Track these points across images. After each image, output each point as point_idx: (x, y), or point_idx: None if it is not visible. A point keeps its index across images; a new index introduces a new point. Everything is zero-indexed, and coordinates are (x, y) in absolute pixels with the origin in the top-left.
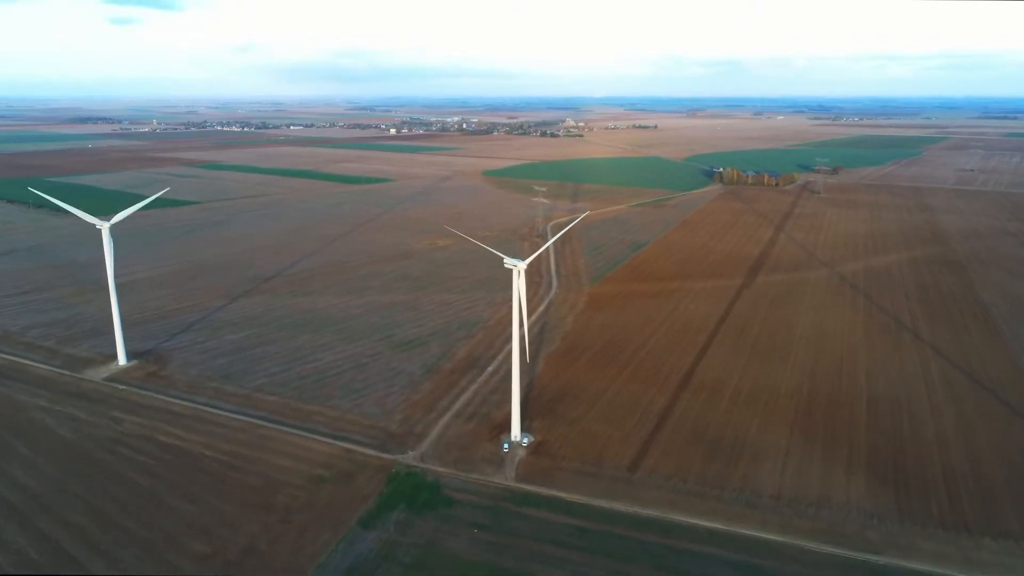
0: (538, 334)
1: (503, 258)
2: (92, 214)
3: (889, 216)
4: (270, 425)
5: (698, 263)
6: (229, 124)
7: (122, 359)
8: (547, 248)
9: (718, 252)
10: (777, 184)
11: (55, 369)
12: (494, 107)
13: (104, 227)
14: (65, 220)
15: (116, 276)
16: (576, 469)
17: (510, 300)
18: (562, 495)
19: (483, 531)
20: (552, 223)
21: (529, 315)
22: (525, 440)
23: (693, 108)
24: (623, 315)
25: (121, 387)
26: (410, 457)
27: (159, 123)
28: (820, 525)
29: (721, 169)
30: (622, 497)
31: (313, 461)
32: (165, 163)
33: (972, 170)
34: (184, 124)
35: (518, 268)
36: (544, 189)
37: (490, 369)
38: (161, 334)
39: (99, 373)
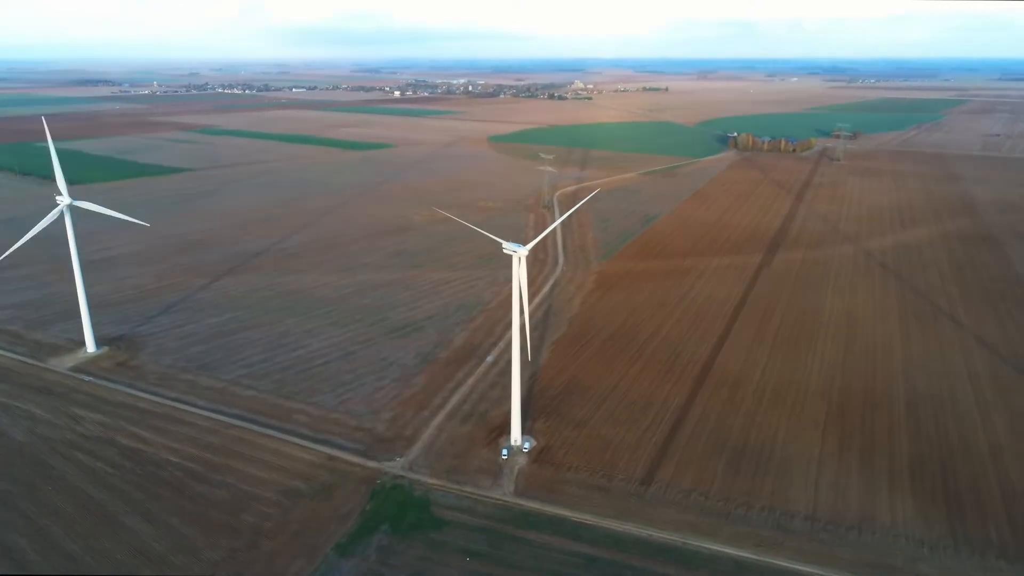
0: (542, 318)
1: (501, 243)
2: (73, 182)
3: (914, 186)
4: (245, 425)
5: (714, 238)
6: (231, 87)
7: (91, 346)
8: (552, 229)
9: (734, 226)
10: (794, 150)
11: (17, 357)
12: (501, 69)
13: (62, 203)
14: (51, 190)
15: (95, 251)
16: (583, 481)
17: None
18: (567, 514)
19: (476, 559)
20: (559, 192)
21: (533, 296)
22: (526, 445)
23: (705, 70)
24: (634, 296)
25: (86, 379)
26: (398, 466)
27: (160, 85)
28: (865, 555)
29: (735, 134)
30: (635, 517)
31: (289, 470)
32: (161, 127)
33: (998, 135)
34: (185, 87)
35: (518, 254)
36: (551, 157)
37: (490, 359)
38: (137, 317)
39: (65, 362)
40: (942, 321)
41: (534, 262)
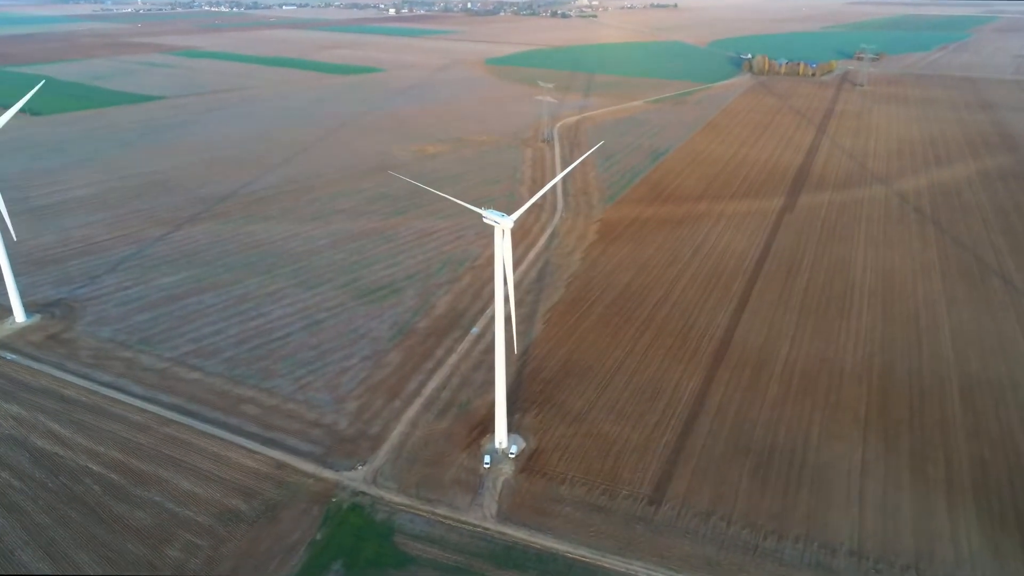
0: (536, 279)
1: (481, 213)
2: (36, 113)
3: (946, 115)
4: (183, 420)
5: (729, 177)
6: (218, 3)
7: (20, 315)
8: (540, 193)
9: (752, 162)
10: (814, 74)
11: None
12: None
13: None
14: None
15: (44, 194)
16: (580, 499)
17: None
18: (559, 548)
19: None
20: (560, 124)
21: (528, 250)
22: (513, 449)
23: None
24: (642, 250)
25: (8, 357)
26: (359, 476)
27: (144, 3)
28: None
29: (750, 57)
30: (642, 551)
31: (229, 483)
32: (140, 50)
33: None
34: (171, 3)
35: (501, 226)
36: (551, 86)
37: (475, 331)
38: (80, 276)
39: None
40: (991, 281)
41: (530, 208)
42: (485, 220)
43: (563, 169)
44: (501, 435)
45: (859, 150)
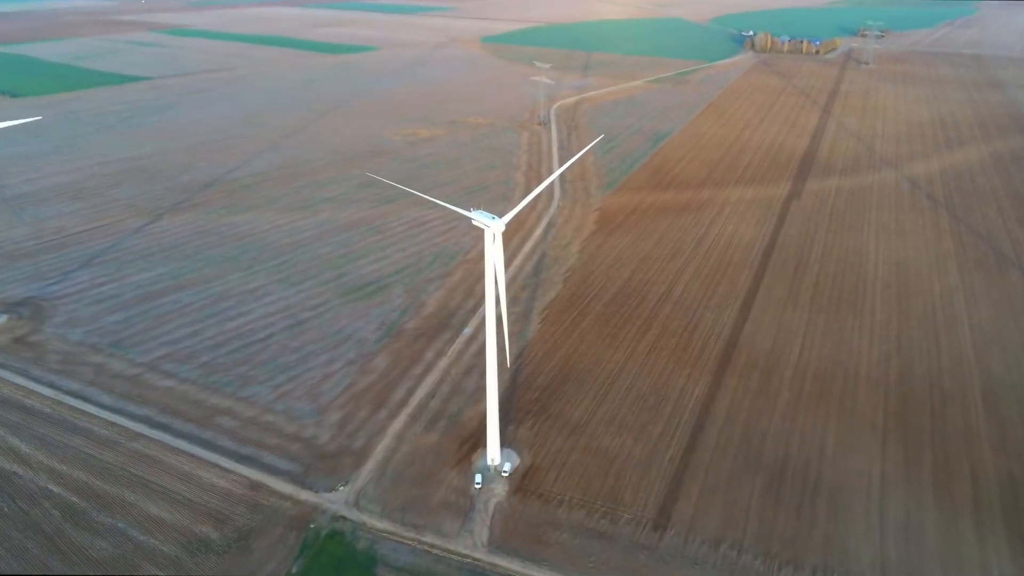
0: (532, 273)
1: (470, 217)
2: (17, 95)
3: (955, 95)
4: (153, 435)
5: (733, 162)
6: None
7: None
8: (533, 194)
9: (756, 146)
10: (818, 52)
11: None
12: None
13: None
14: None
15: (19, 182)
16: (579, 524)
17: (504, 215)
18: None
19: None
20: (557, 104)
21: (523, 242)
22: (506, 466)
23: None
24: (643, 241)
25: None
26: (340, 499)
27: None
28: None
29: (752, 33)
30: None
31: (200, 506)
32: (127, 28)
33: None
34: None
35: (492, 229)
36: (548, 66)
37: (467, 332)
38: (52, 272)
39: None
40: (1011, 274)
41: (527, 194)
42: (474, 223)
43: (560, 156)
44: (494, 451)
45: (866, 132)
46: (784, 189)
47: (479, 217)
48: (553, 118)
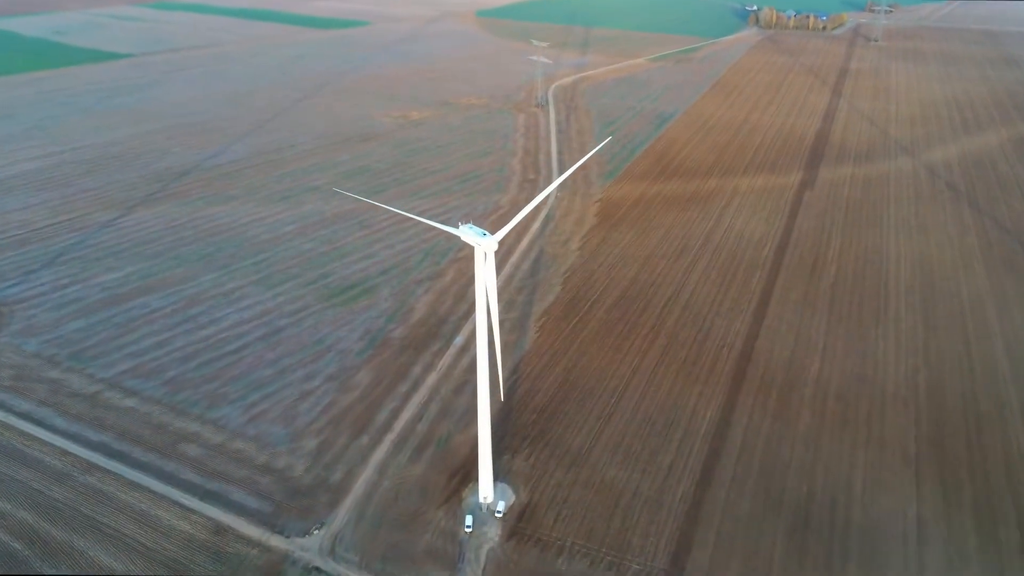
0: (529, 272)
1: (457, 233)
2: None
3: (969, 73)
4: (110, 466)
5: (741, 147)
6: None
7: None
8: (530, 207)
9: (764, 130)
10: (824, 28)
11: None
12: None
13: None
14: None
15: None
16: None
17: (499, 208)
18: None
19: None
20: (555, 85)
21: (521, 236)
22: (500, 504)
23: None
24: (647, 236)
25: None
26: (314, 545)
27: None
28: None
29: (756, 8)
30: None
31: (156, 554)
32: (110, 0)
33: None
34: None
35: (483, 247)
36: (545, 44)
37: (459, 341)
38: (13, 271)
39: None
40: None
41: (522, 183)
42: (463, 239)
43: (558, 141)
44: (486, 487)
45: (879, 114)
46: (796, 178)
47: (469, 233)
48: (551, 99)
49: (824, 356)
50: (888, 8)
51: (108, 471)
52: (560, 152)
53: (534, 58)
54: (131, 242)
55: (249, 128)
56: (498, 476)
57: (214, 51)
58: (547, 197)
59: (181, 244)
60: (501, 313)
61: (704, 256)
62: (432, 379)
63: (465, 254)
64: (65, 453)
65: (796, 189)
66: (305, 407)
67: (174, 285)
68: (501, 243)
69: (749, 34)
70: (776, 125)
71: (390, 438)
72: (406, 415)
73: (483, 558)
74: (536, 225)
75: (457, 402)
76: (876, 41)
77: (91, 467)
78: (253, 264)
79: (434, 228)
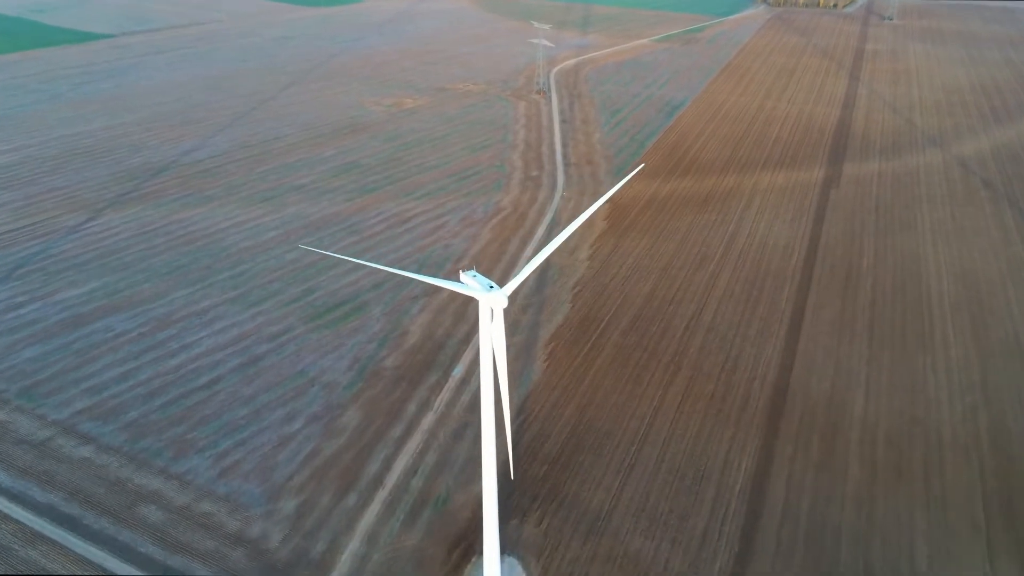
0: (536, 287)
1: (459, 288)
2: None
3: (992, 55)
4: (57, 534)
5: (757, 138)
6: None
7: None
8: (540, 258)
9: (781, 118)
10: (836, 5)
11: None
12: None
13: None
14: None
15: None
16: None
17: (500, 210)
18: None
19: None
20: (557, 68)
21: (525, 244)
22: None
23: None
24: (662, 243)
25: None
26: None
27: None
28: None
29: None
30: None
31: None
32: None
33: None
34: None
35: (490, 302)
36: (547, 26)
37: (458, 373)
38: None
39: None
40: None
41: (524, 181)
42: (465, 291)
43: (562, 132)
44: (492, 568)
45: (902, 101)
46: (819, 174)
47: (473, 285)
48: (553, 85)
49: (868, 390)
50: None
51: (54, 542)
52: (564, 145)
53: (535, 41)
54: (97, 252)
55: (231, 118)
56: (506, 547)
57: (197, 30)
58: (553, 199)
59: (152, 254)
60: (505, 336)
61: (726, 267)
62: (429, 420)
63: (464, 264)
64: (6, 519)
65: (820, 187)
66: (284, 456)
67: (142, 303)
68: (505, 248)
69: (757, 12)
70: (793, 114)
71: (381, 497)
72: (400, 466)
73: None
74: (541, 230)
75: (457, 450)
76: (890, 19)
77: (35, 537)
78: (230, 278)
79: (428, 233)
